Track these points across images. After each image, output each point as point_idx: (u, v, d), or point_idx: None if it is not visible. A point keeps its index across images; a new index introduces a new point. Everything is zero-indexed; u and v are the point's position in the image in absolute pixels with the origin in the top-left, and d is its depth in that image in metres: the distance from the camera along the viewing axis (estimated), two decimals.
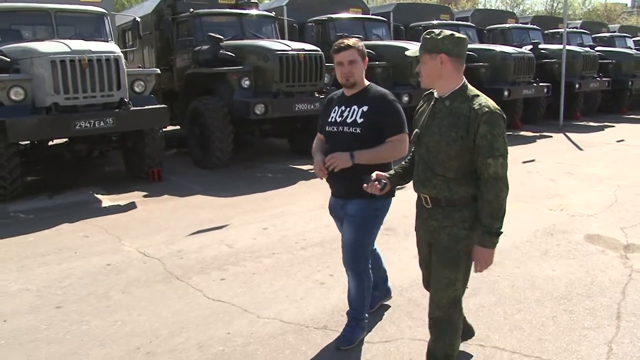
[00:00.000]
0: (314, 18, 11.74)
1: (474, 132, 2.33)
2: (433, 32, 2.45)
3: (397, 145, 3.01)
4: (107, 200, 7.27)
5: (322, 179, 3.15)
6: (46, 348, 3.40)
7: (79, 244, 5.46)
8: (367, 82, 3.16)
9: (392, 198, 3.17)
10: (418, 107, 2.71)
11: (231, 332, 3.46)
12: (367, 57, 3.15)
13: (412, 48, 9.97)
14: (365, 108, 3.03)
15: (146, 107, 7.46)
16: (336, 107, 3.16)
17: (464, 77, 2.48)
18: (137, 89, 7.64)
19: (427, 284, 2.82)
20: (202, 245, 5.20)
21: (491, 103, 2.38)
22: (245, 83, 8.47)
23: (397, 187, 2.88)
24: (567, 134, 12.15)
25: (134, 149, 8.29)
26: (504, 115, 2.39)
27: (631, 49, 17.26)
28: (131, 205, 6.95)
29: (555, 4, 42.83)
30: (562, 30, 13.76)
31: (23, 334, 3.58)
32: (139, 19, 9.24)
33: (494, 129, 2.32)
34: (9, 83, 6.82)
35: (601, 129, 13.21)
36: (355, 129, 3.01)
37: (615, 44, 17.48)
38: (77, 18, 8.48)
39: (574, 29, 17.66)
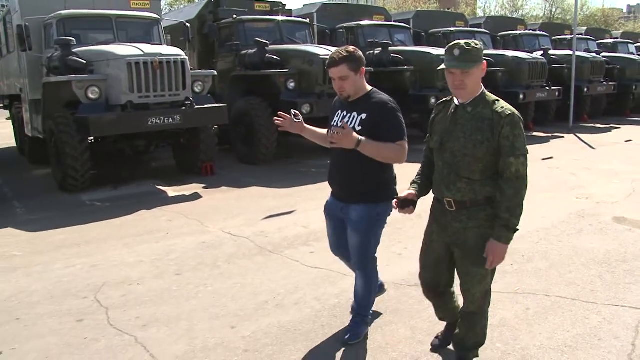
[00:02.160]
0: (344, 24, 12.50)
1: (498, 133, 2.45)
2: (470, 44, 2.48)
3: (400, 150, 2.99)
4: (171, 191, 7.99)
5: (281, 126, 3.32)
6: (187, 302, 4.06)
7: (165, 226, 6.15)
8: (369, 88, 3.16)
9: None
10: (433, 116, 2.82)
11: (340, 290, 4.17)
12: (363, 66, 3.09)
13: (435, 52, 10.51)
14: (364, 116, 3.05)
15: (207, 105, 8.21)
16: (339, 112, 3.22)
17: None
18: (196, 89, 8.36)
19: (434, 284, 2.91)
20: (280, 227, 5.90)
21: (511, 107, 2.52)
22: (291, 85, 9.20)
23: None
24: (577, 134, 12.95)
25: (187, 145, 9.02)
26: (522, 118, 2.53)
27: (633, 54, 18.12)
28: (196, 196, 7.68)
29: (553, 10, 43.82)
30: (569, 36, 14.56)
31: (160, 293, 4.23)
32: (188, 25, 9.96)
33: (515, 130, 2.45)
34: (87, 83, 7.54)
35: (608, 130, 14.03)
36: None
37: (619, 50, 18.35)
38: (134, 23, 9.18)
39: (580, 36, 18.47)
